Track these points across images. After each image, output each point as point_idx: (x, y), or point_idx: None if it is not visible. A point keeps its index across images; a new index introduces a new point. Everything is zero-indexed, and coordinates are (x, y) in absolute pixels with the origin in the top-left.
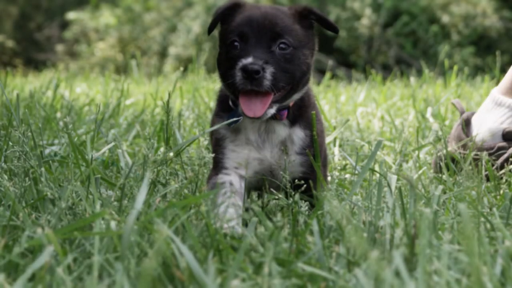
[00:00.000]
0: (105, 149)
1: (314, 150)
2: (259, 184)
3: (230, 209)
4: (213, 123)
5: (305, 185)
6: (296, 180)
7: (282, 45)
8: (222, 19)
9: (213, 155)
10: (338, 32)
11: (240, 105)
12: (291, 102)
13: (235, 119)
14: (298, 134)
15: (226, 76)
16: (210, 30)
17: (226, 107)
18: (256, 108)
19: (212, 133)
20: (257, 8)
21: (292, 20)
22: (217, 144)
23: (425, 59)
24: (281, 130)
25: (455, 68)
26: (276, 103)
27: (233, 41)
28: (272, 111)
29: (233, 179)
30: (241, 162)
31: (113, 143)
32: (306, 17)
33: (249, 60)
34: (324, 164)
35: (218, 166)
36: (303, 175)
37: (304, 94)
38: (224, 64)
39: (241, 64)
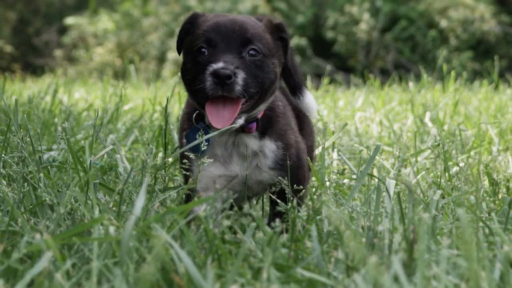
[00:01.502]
0: (102, 153)
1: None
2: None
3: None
4: (180, 139)
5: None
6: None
7: (252, 52)
8: (185, 34)
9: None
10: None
11: (206, 116)
12: (259, 113)
13: (204, 138)
14: (269, 147)
15: (193, 83)
16: (178, 49)
17: (188, 123)
18: (224, 118)
19: (180, 147)
20: (223, 15)
21: (263, 29)
22: (185, 163)
23: (424, 64)
24: (252, 142)
25: (453, 73)
26: (244, 113)
27: (200, 47)
28: (241, 121)
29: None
30: (208, 183)
31: (110, 147)
32: (277, 31)
33: (219, 64)
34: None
35: (191, 189)
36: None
37: (272, 104)
38: (191, 71)
39: (211, 69)
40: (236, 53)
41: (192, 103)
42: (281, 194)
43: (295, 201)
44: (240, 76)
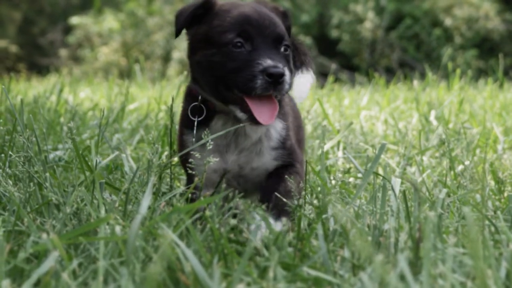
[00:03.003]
0: (110, 158)
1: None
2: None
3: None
4: (180, 141)
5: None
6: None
7: (284, 47)
8: (192, 19)
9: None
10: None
11: (239, 111)
12: None
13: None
14: (276, 127)
15: (229, 77)
16: (179, 30)
17: (190, 121)
18: (268, 114)
19: (179, 149)
20: (242, 5)
21: (280, 20)
22: (185, 160)
23: (428, 62)
24: (253, 130)
25: (458, 71)
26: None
27: (236, 41)
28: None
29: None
30: (209, 178)
31: (116, 153)
32: (285, 19)
33: (270, 62)
34: (302, 150)
35: (189, 181)
36: (276, 167)
37: None
38: (225, 65)
39: (262, 67)
40: (274, 49)
41: (192, 98)
42: (277, 177)
43: (301, 200)
44: (287, 75)
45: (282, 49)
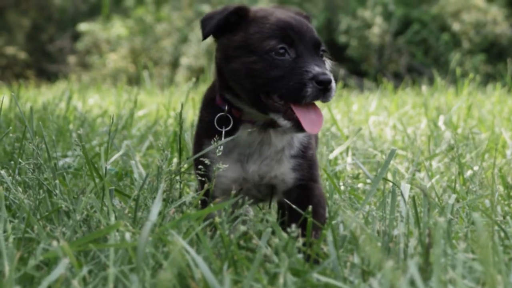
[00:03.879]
0: (117, 155)
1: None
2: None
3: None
4: (198, 151)
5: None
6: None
7: (322, 53)
8: (226, 25)
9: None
10: None
11: (282, 119)
12: None
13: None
14: (300, 136)
15: (275, 87)
16: (208, 34)
17: (213, 130)
18: (315, 122)
19: (196, 159)
20: (277, 10)
21: None
22: (205, 171)
23: (436, 67)
24: (279, 139)
25: (471, 76)
26: None
27: (279, 48)
28: None
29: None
30: (224, 187)
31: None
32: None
33: (317, 69)
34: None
35: (206, 193)
36: (298, 181)
37: None
38: (268, 71)
39: (312, 74)
40: (316, 55)
41: (215, 108)
42: (295, 192)
43: (310, 207)
44: (333, 82)
45: (321, 55)
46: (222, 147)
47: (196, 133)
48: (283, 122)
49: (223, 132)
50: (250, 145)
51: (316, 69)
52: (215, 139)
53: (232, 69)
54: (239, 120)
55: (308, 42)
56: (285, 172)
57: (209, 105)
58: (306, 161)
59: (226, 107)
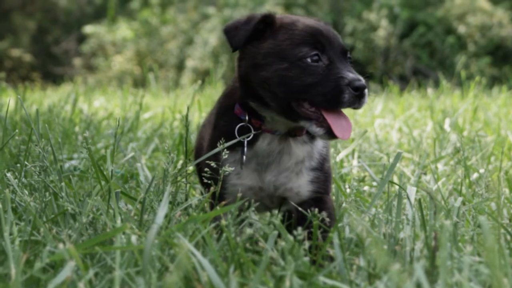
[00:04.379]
0: (125, 159)
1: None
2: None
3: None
4: (214, 158)
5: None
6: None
7: (349, 59)
8: (255, 33)
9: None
10: None
11: (314, 126)
12: None
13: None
14: (318, 146)
15: (310, 94)
16: (239, 45)
17: (230, 139)
18: (345, 128)
19: (210, 163)
20: (305, 18)
21: None
22: (211, 174)
23: (442, 69)
24: (299, 149)
25: (477, 79)
26: None
27: (313, 55)
28: None
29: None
30: (242, 196)
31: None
32: None
33: (352, 75)
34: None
35: (218, 200)
36: (313, 194)
37: None
38: (305, 81)
39: (348, 80)
40: (345, 61)
41: (234, 117)
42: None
43: (316, 210)
44: (366, 88)
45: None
46: (238, 157)
47: (211, 140)
48: (315, 129)
49: (245, 142)
50: (269, 154)
51: (350, 75)
52: (236, 148)
53: (262, 77)
54: (259, 130)
55: (337, 48)
56: (302, 184)
57: (226, 113)
58: (323, 173)
59: (247, 117)
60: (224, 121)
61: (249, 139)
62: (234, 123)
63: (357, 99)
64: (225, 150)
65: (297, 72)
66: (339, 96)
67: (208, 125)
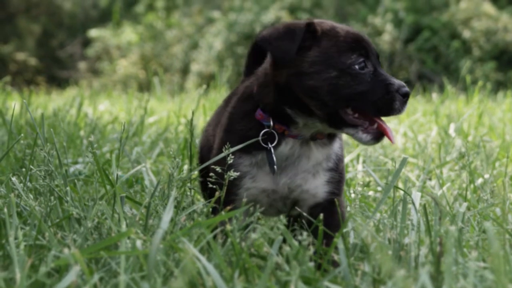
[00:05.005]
0: (132, 172)
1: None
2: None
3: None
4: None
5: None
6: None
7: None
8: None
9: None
10: None
11: (361, 133)
12: None
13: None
14: (335, 148)
15: (361, 101)
16: (291, 57)
17: (251, 145)
18: (392, 133)
19: (216, 168)
20: (341, 25)
21: None
22: (231, 181)
23: (447, 74)
24: (319, 152)
25: (480, 83)
26: None
27: (360, 62)
28: None
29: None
30: (251, 198)
31: (139, 167)
32: None
33: (397, 81)
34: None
35: (225, 201)
36: (329, 195)
37: None
38: (356, 88)
39: (396, 86)
40: (381, 68)
41: (257, 123)
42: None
43: (321, 215)
44: None
45: None
46: (255, 161)
47: (223, 143)
48: (361, 136)
49: (272, 148)
50: (288, 158)
51: (396, 81)
52: (253, 153)
53: (309, 86)
54: (281, 135)
55: (374, 54)
56: (319, 185)
57: (245, 118)
58: (338, 173)
59: (271, 123)
60: (242, 126)
61: (273, 145)
62: (254, 128)
63: (404, 105)
64: (240, 153)
65: (347, 80)
66: (391, 104)
67: (215, 129)
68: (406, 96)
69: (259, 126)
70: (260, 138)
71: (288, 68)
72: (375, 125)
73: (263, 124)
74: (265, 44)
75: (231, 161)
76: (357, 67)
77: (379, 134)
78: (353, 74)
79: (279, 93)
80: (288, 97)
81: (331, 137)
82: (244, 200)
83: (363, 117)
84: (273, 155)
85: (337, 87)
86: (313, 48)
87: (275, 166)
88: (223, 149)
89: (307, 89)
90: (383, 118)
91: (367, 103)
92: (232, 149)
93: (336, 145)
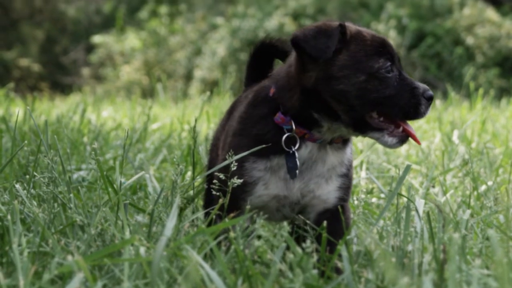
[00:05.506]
0: (134, 178)
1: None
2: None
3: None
4: (240, 168)
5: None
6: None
7: None
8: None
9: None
10: None
11: (386, 136)
12: None
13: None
14: (348, 153)
15: (388, 105)
16: (330, 52)
17: (263, 147)
18: (417, 136)
19: (237, 170)
20: (363, 28)
21: None
22: (242, 188)
23: (450, 81)
24: (334, 156)
25: (481, 91)
26: None
27: (387, 66)
28: None
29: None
30: (261, 206)
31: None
32: None
33: (422, 85)
34: None
35: (234, 208)
36: (338, 201)
37: None
38: (384, 93)
39: (422, 90)
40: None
41: (277, 127)
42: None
43: (324, 222)
44: None
45: None
46: (270, 165)
47: (236, 147)
48: (387, 139)
49: (295, 152)
50: (305, 162)
51: (421, 85)
52: (270, 157)
53: (338, 90)
54: (301, 139)
55: (397, 58)
56: (331, 191)
57: (260, 122)
58: (348, 179)
59: (293, 126)
60: (257, 130)
61: (296, 148)
62: (271, 131)
63: (428, 109)
64: (255, 157)
65: (375, 84)
66: (418, 108)
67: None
68: (430, 99)
69: (278, 129)
70: (283, 141)
71: (316, 71)
72: (400, 129)
73: (281, 128)
74: (301, 44)
75: (245, 165)
76: (384, 71)
77: (405, 137)
78: (381, 78)
79: (305, 97)
80: (314, 100)
81: (344, 141)
82: (248, 207)
83: (387, 120)
84: (297, 159)
85: (365, 91)
86: (343, 52)
87: (297, 171)
88: (234, 154)
89: (336, 93)
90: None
91: (394, 107)
92: (244, 153)
93: (348, 150)
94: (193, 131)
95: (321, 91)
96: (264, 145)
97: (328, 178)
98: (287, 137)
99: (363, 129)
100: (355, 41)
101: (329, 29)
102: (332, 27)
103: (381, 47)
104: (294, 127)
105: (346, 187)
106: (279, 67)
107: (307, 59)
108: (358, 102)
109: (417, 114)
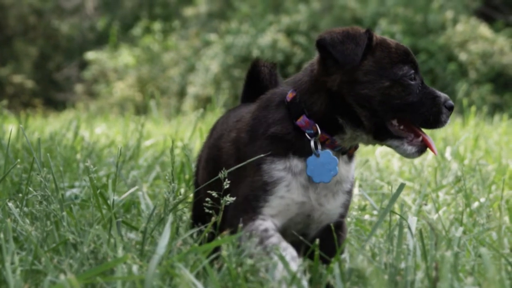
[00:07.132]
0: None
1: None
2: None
3: (292, 263)
4: (257, 171)
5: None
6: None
7: None
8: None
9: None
10: None
11: (406, 145)
12: None
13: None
14: (353, 169)
15: (410, 113)
16: (358, 58)
17: (282, 147)
18: (434, 145)
19: (255, 173)
20: (385, 37)
21: None
22: (263, 187)
23: None
24: (343, 168)
25: (473, 108)
26: None
27: (411, 73)
28: None
29: (269, 225)
30: (281, 209)
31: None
32: None
33: (443, 94)
34: None
35: (251, 211)
36: (339, 218)
37: None
38: (407, 100)
39: (443, 99)
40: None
41: (299, 131)
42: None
43: (317, 240)
44: None
45: None
46: (289, 165)
47: (250, 152)
48: (406, 147)
49: (318, 151)
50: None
51: (442, 95)
52: (289, 155)
53: (363, 95)
54: (323, 144)
55: (419, 68)
56: (337, 207)
57: (278, 124)
58: (350, 197)
59: (319, 131)
60: (276, 129)
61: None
62: (292, 133)
63: (447, 118)
64: (272, 157)
65: (399, 91)
66: (439, 116)
67: (225, 143)
68: (451, 109)
69: (299, 132)
70: (312, 144)
71: (341, 75)
72: (420, 138)
73: (303, 132)
74: (328, 48)
75: (262, 167)
76: (408, 78)
77: (423, 147)
78: (404, 85)
79: (330, 100)
80: (339, 104)
81: (350, 157)
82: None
83: (407, 129)
84: (337, 165)
85: (389, 97)
86: (368, 57)
87: (332, 173)
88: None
89: (359, 97)
90: (425, 131)
91: (416, 114)
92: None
93: (353, 166)
94: (186, 149)
95: (345, 94)
96: (283, 144)
97: (335, 193)
98: (308, 141)
99: (383, 136)
100: (380, 48)
101: (357, 35)
102: (360, 33)
103: (405, 55)
104: (319, 131)
105: (348, 205)
106: (296, 74)
107: (331, 63)
108: (381, 108)
109: (438, 122)
